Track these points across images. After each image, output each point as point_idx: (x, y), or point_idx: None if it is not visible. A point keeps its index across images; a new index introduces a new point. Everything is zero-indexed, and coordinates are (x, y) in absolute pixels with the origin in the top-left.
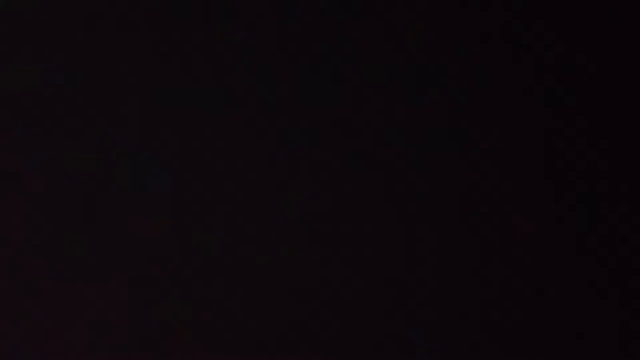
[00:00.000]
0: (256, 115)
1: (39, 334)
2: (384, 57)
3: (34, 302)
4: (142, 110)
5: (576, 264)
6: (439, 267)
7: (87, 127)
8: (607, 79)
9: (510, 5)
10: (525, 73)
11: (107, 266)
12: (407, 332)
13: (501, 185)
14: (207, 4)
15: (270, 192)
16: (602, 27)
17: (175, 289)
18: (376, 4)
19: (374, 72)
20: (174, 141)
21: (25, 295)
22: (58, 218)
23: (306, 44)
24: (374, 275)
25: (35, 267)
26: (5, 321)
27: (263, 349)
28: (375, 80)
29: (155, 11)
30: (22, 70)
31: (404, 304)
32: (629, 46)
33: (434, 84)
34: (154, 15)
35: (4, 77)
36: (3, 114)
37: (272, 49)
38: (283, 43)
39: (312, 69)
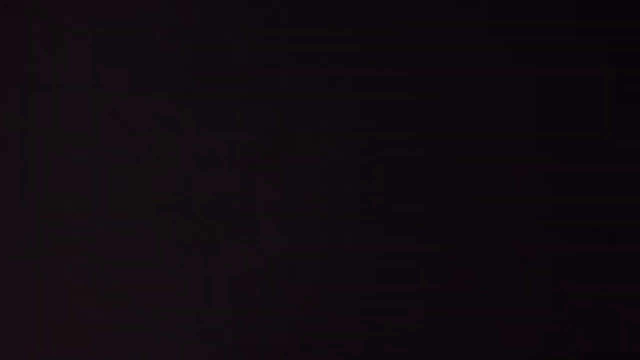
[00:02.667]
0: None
1: (41, 334)
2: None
3: (35, 303)
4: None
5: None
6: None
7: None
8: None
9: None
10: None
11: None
12: (408, 334)
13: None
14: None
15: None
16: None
17: (176, 290)
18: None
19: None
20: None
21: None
22: (61, 216)
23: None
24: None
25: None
26: (6, 322)
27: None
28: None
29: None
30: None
31: (406, 305)
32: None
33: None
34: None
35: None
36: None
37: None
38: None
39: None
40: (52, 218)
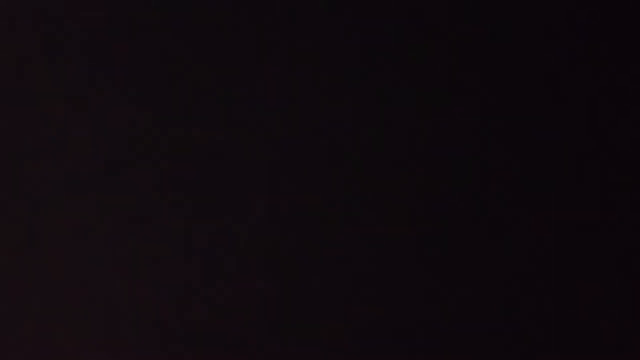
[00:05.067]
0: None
1: (40, 333)
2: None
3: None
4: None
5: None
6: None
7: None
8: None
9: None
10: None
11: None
12: (410, 332)
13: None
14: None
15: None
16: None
17: (177, 289)
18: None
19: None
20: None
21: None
22: (60, 216)
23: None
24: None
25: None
26: (7, 321)
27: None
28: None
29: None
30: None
31: (409, 305)
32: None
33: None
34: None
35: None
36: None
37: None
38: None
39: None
40: (43, 214)
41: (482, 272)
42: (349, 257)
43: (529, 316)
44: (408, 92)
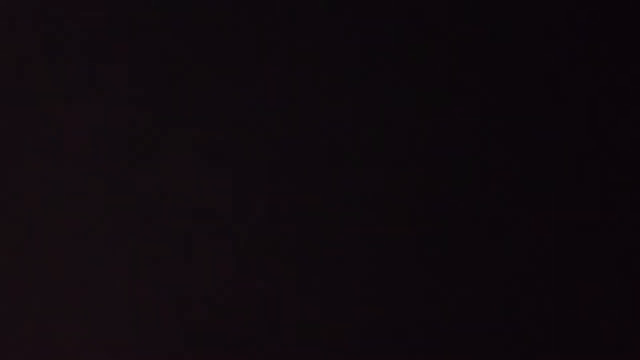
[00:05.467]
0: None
1: (40, 333)
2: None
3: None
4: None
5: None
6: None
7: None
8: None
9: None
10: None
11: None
12: (409, 331)
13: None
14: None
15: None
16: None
17: (175, 288)
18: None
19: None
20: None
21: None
22: (62, 216)
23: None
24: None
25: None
26: (7, 320)
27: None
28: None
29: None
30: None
31: (409, 303)
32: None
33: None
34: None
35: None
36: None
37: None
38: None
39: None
40: (32, 215)
41: (482, 272)
42: (349, 257)
43: (529, 316)
44: (408, 92)
